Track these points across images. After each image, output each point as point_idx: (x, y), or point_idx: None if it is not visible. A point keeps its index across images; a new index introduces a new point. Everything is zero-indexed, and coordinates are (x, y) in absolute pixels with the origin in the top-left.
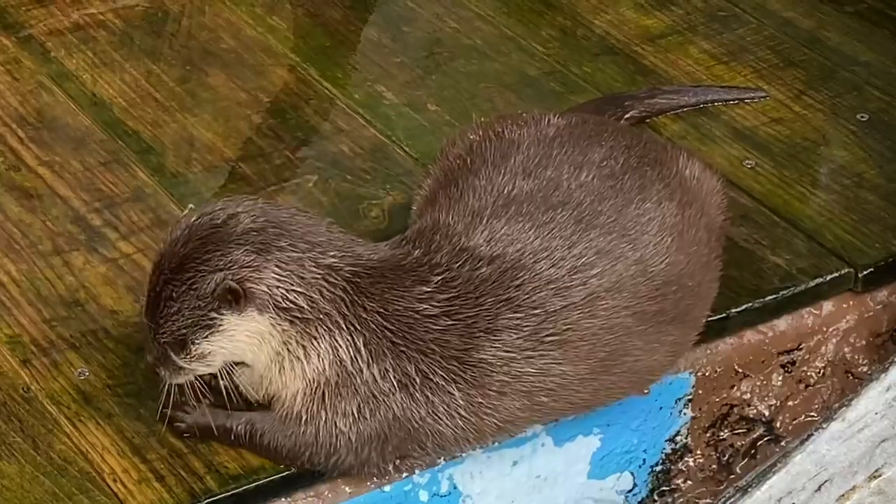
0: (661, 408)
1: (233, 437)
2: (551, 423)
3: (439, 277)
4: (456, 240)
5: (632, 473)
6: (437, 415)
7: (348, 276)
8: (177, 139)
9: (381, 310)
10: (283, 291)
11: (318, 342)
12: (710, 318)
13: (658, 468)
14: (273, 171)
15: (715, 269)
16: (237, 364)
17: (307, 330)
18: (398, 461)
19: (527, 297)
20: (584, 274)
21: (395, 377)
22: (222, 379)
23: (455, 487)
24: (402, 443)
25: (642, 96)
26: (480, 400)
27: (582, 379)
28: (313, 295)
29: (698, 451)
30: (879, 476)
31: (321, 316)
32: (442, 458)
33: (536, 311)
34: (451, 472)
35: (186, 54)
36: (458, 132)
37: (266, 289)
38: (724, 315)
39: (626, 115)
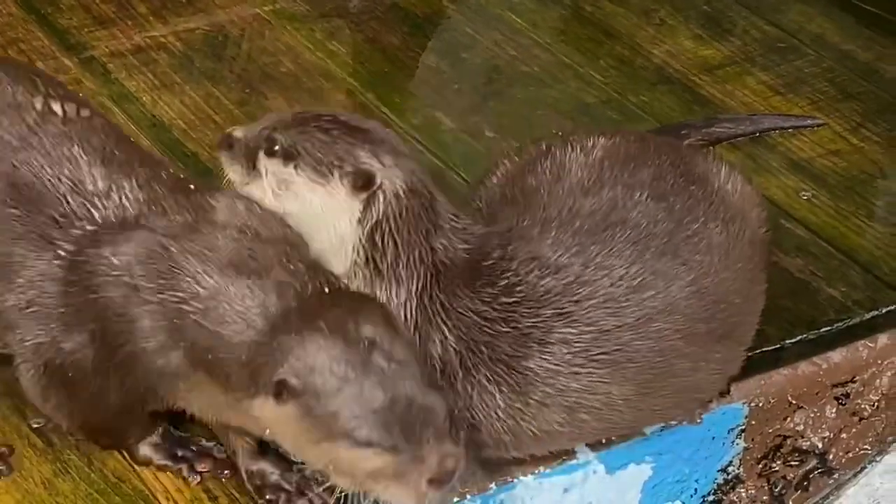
0: (713, 437)
1: None
2: (603, 450)
3: (506, 281)
4: (531, 246)
5: (683, 503)
6: (474, 410)
7: (437, 262)
8: None
9: (446, 302)
10: (390, 225)
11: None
12: (763, 350)
13: (710, 498)
14: None
15: (760, 283)
16: None
17: (373, 280)
18: None
19: (584, 312)
20: (638, 295)
21: (438, 365)
22: None
23: None
24: None
25: (699, 125)
26: (520, 406)
27: (626, 400)
28: (401, 255)
29: (750, 482)
30: None
31: (392, 280)
32: (484, 453)
33: (590, 329)
34: (502, 498)
35: (246, 77)
36: (496, 158)
37: (381, 200)
38: (778, 346)
39: (686, 142)
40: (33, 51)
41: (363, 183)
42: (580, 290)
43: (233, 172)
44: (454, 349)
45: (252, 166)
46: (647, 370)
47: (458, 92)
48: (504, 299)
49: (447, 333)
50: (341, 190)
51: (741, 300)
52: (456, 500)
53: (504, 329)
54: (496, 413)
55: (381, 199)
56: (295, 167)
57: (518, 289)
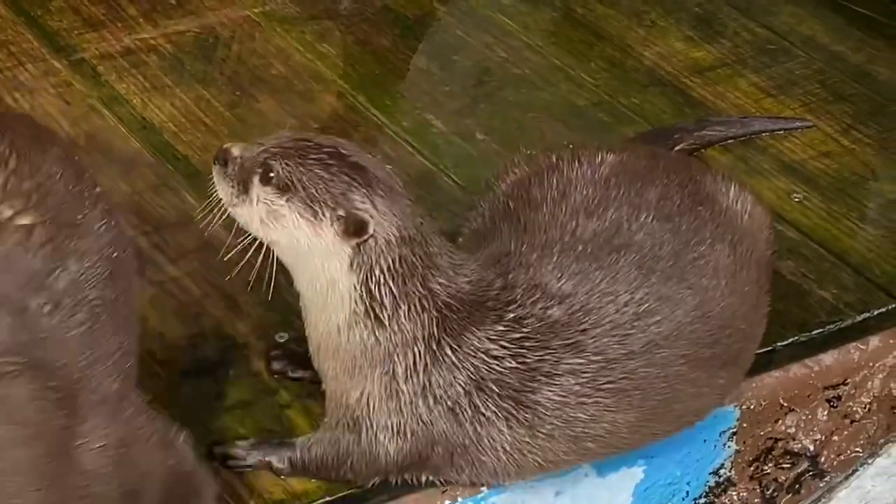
0: (704, 440)
1: (284, 465)
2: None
3: (513, 315)
4: (531, 273)
5: None
6: (480, 446)
7: (440, 306)
8: None
9: (454, 345)
10: (384, 275)
11: (378, 347)
12: (756, 352)
13: (701, 501)
14: None
15: (764, 307)
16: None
17: (375, 331)
18: (433, 477)
19: (592, 341)
20: (644, 321)
21: (445, 405)
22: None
23: None
24: (441, 464)
25: (691, 128)
26: (528, 440)
27: (630, 426)
28: (401, 305)
29: (742, 485)
30: None
31: (396, 329)
32: (479, 484)
33: (598, 358)
34: (493, 501)
35: (236, 80)
36: (506, 162)
37: (372, 248)
38: (770, 348)
39: (676, 148)
40: (23, 53)
41: (354, 229)
42: (586, 319)
43: (223, 190)
44: (464, 390)
45: (244, 189)
46: (652, 397)
47: (449, 94)
48: (512, 335)
49: (457, 375)
50: (330, 232)
51: (746, 325)
52: (448, 502)
53: (512, 365)
54: (503, 447)
55: (373, 245)
56: (287, 200)
57: (525, 322)
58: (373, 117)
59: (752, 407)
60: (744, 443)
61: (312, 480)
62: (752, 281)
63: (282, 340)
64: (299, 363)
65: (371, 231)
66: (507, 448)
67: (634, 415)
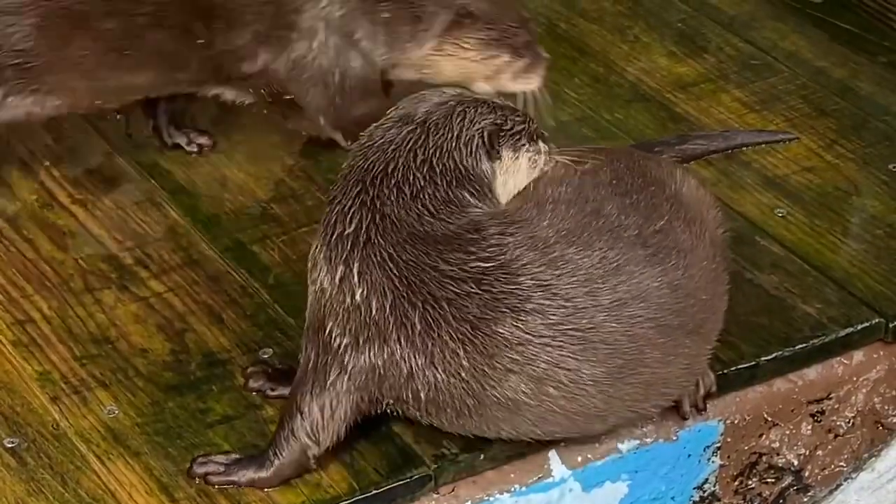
0: (689, 455)
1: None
2: (579, 468)
3: (490, 244)
4: (528, 227)
5: None
6: (434, 366)
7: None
8: (209, 180)
9: (400, 252)
10: None
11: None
12: (738, 367)
13: None
14: (305, 212)
15: (723, 283)
16: None
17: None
18: (393, 402)
19: (564, 287)
20: (615, 279)
21: (394, 317)
22: None
23: None
24: (396, 384)
25: (673, 142)
26: (485, 369)
27: (596, 382)
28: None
29: (726, 499)
30: None
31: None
32: (440, 421)
33: (566, 304)
34: None
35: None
36: None
37: None
38: (753, 363)
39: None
40: None
41: None
42: (563, 266)
43: None
44: (408, 299)
45: None
46: (618, 354)
47: None
48: (477, 264)
49: (400, 283)
50: None
51: (707, 297)
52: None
53: (473, 290)
54: (460, 373)
55: None
56: None
57: (496, 257)
58: None
59: (735, 421)
60: (728, 457)
61: (298, 491)
62: (709, 257)
63: (266, 356)
64: (279, 380)
65: None
66: (464, 375)
67: (600, 370)
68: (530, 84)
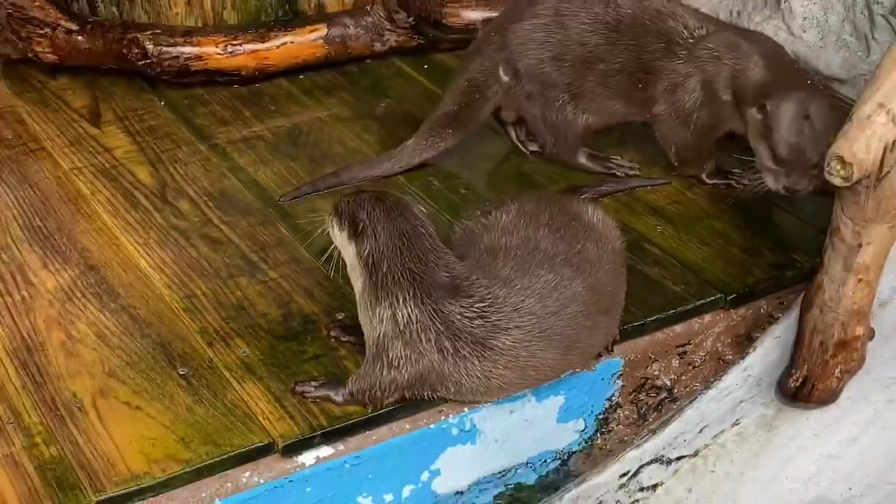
0: (602, 379)
1: (339, 397)
2: (535, 388)
3: (480, 294)
4: (486, 270)
5: (584, 420)
6: (460, 373)
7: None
8: (304, 209)
9: (438, 308)
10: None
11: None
12: (633, 325)
13: (601, 416)
14: None
15: (622, 281)
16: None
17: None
18: (431, 393)
19: (528, 307)
20: (558, 292)
21: (436, 346)
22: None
23: (474, 426)
24: (435, 384)
25: (594, 185)
26: (491, 369)
27: (555, 360)
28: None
29: (625, 407)
30: (738, 424)
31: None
32: (461, 398)
33: (532, 318)
34: (472, 417)
35: (312, 155)
36: (473, 206)
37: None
38: (642, 322)
39: (583, 196)
40: (181, 140)
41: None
42: (525, 293)
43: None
44: (444, 334)
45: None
46: (565, 339)
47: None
48: (478, 304)
49: (439, 326)
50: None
51: (612, 288)
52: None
53: (480, 322)
54: (476, 375)
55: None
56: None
57: (486, 297)
58: (396, 178)
59: (631, 358)
60: (626, 380)
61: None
62: (612, 262)
63: (340, 317)
64: (349, 332)
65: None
66: (479, 374)
67: (557, 352)
68: None
